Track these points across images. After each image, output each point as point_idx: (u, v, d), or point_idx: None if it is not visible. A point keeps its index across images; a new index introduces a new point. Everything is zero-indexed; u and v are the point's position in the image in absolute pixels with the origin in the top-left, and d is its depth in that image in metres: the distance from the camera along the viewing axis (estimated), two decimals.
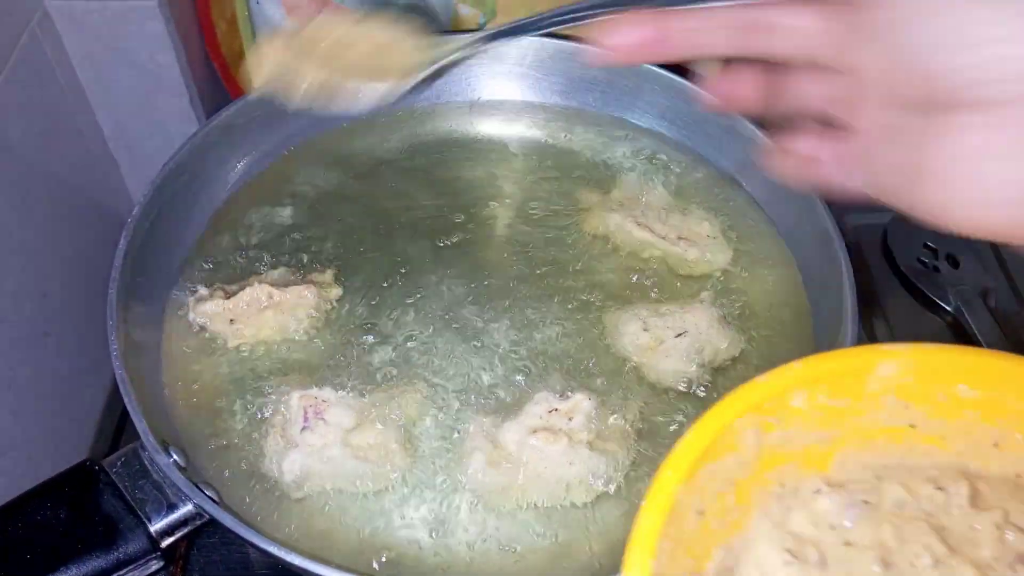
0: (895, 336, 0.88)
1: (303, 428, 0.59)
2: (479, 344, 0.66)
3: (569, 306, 0.69)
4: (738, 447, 0.40)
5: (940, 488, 0.41)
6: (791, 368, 0.41)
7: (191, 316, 0.66)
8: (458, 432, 0.62)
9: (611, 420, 0.61)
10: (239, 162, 0.76)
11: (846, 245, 0.66)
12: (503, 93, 0.83)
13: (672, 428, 0.62)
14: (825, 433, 0.42)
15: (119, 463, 0.56)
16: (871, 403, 0.42)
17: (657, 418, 0.63)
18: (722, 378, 0.65)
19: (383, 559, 0.57)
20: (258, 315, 0.65)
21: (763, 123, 0.73)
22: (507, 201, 0.76)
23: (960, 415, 0.42)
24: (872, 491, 0.41)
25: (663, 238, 0.71)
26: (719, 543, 0.40)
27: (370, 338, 0.66)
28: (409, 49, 0.61)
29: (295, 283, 0.67)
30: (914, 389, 0.42)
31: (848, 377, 0.42)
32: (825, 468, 0.42)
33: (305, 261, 0.70)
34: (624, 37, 0.47)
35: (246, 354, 0.65)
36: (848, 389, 0.42)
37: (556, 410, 0.60)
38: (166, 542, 0.55)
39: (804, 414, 0.41)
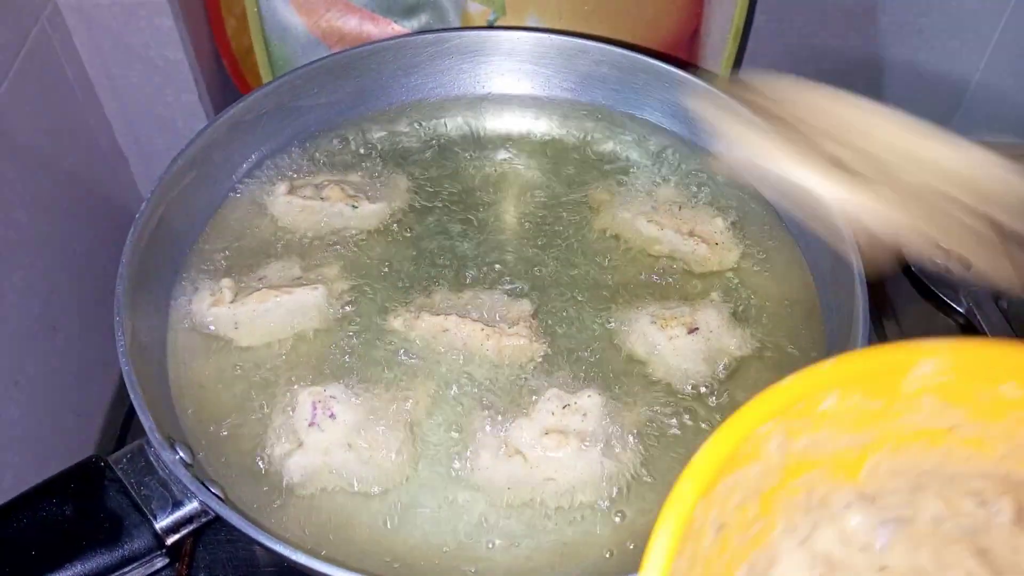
0: (906, 337, 0.87)
1: (310, 425, 0.59)
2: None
3: (578, 303, 0.68)
4: (761, 455, 0.37)
5: (982, 503, 0.38)
6: (820, 369, 0.38)
7: (198, 316, 0.65)
8: (466, 430, 0.61)
9: (620, 418, 0.60)
10: (247, 158, 0.75)
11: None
12: (514, 89, 0.82)
13: (681, 427, 0.62)
14: (856, 437, 0.39)
15: (125, 459, 0.56)
16: (908, 404, 0.39)
17: (666, 416, 0.62)
18: (731, 376, 0.64)
19: (389, 558, 0.57)
20: (264, 317, 0.65)
21: None
22: (516, 196, 0.76)
23: (1003, 416, 0.39)
24: (907, 505, 0.38)
25: (674, 234, 0.71)
26: (741, 560, 0.37)
27: (378, 335, 0.66)
28: None
29: (302, 280, 0.67)
30: (954, 389, 0.39)
31: (884, 376, 0.39)
32: (855, 476, 0.40)
33: (314, 257, 0.70)
34: None
35: (253, 352, 0.65)
36: (883, 389, 0.39)
37: (568, 406, 0.59)
38: (171, 539, 0.55)
39: (834, 417, 0.38)
